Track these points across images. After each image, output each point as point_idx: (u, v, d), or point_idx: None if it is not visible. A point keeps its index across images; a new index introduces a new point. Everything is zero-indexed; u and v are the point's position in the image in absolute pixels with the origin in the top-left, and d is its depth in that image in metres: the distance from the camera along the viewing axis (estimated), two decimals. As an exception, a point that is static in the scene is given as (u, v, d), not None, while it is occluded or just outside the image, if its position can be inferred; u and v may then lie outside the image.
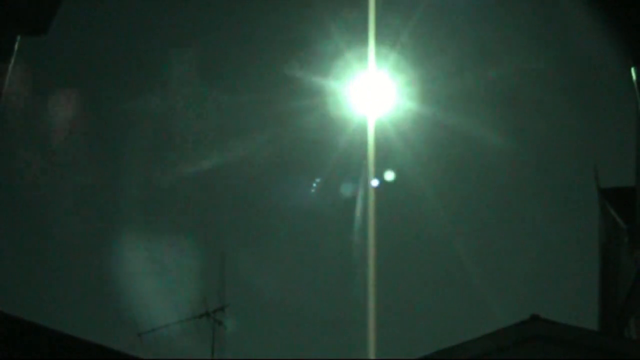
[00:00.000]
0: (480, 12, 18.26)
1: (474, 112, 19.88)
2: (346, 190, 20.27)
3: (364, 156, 16.65)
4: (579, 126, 21.75)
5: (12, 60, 3.13)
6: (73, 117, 19.31)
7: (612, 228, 17.18)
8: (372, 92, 17.52)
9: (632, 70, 3.25)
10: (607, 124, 20.98)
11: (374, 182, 19.11)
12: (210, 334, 15.48)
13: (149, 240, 20.32)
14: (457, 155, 21.88)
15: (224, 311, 15.73)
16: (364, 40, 15.46)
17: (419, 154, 20.31)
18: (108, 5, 18.18)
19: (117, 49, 20.74)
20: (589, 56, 18.08)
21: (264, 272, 21.94)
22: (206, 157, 22.69)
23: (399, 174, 20.05)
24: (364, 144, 16.70)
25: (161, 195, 20.98)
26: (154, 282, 20.11)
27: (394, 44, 17.15)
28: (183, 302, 16.28)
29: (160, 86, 20.82)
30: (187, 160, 22.25)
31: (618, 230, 16.48)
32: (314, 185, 20.31)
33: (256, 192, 23.25)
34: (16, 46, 3.17)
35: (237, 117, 20.71)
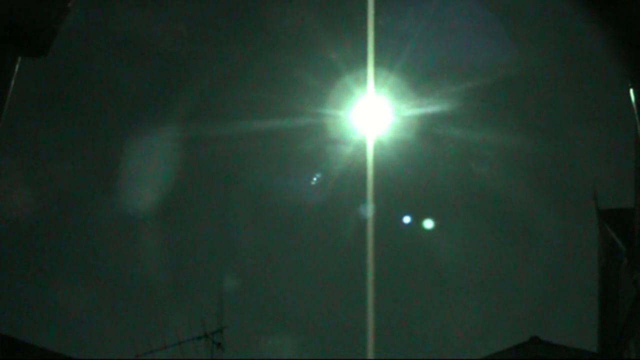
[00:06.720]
0: (479, 33, 18.36)
1: (473, 134, 19.92)
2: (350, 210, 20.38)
3: (364, 175, 16.68)
4: (578, 148, 21.80)
5: (13, 81, 3.15)
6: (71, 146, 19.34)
7: (611, 250, 17.14)
8: (371, 113, 17.61)
9: (631, 91, 3.26)
10: (606, 146, 21.02)
11: (406, 219, 19.38)
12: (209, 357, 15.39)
13: (148, 259, 20.28)
14: (455, 175, 21.90)
15: (223, 333, 15.62)
16: (363, 62, 15.54)
17: (417, 171, 20.38)
18: (109, 25, 18.27)
19: (115, 72, 20.81)
20: (588, 78, 18.17)
21: (262, 273, 22.00)
22: (206, 186, 22.75)
23: (397, 191, 20.13)
24: (363, 163, 16.76)
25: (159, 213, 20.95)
26: (152, 303, 20.02)
27: (393, 66, 17.26)
28: (181, 323, 16.18)
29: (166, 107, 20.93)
30: (189, 187, 22.28)
31: (617, 252, 16.44)
32: (314, 179, 20.38)
33: (258, 208, 23.27)
34: (17, 67, 3.19)
35: (239, 143, 20.78)
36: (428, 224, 20.95)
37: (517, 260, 23.72)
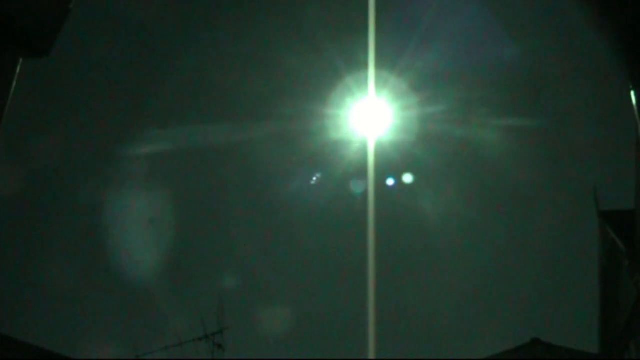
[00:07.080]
0: (479, 34, 18.35)
1: (473, 135, 19.92)
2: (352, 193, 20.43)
3: (364, 176, 16.72)
4: (579, 149, 21.79)
5: (14, 83, 3.14)
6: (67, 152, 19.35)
7: (612, 251, 17.13)
8: (372, 114, 17.63)
9: (632, 93, 3.26)
10: (607, 147, 21.02)
11: (390, 182, 19.26)
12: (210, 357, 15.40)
13: (149, 259, 20.29)
14: (456, 176, 21.90)
15: (223, 334, 15.62)
16: (364, 63, 15.55)
17: (418, 171, 20.38)
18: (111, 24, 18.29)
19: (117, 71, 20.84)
20: (589, 79, 18.16)
21: (263, 273, 22.03)
22: (207, 186, 22.74)
23: (398, 192, 20.15)
24: (364, 163, 16.79)
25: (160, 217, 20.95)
26: (153, 303, 20.02)
27: (394, 67, 17.28)
28: (182, 324, 16.19)
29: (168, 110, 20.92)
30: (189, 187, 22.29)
31: (618, 253, 16.43)
32: (314, 179, 20.41)
33: (258, 208, 23.27)
34: (18, 68, 3.19)
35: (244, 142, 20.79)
36: (429, 225, 20.96)
37: (518, 261, 23.74)
